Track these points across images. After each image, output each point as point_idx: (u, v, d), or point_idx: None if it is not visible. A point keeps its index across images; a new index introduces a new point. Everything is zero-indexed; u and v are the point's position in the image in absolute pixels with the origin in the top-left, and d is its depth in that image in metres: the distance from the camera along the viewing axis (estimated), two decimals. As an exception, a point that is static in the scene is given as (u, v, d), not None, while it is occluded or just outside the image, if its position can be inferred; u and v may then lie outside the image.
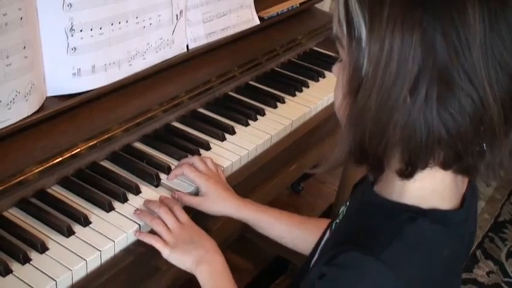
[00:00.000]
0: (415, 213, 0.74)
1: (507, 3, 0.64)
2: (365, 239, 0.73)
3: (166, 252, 1.00)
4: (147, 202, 1.07)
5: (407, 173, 0.72)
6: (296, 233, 1.13)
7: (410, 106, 0.66)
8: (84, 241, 0.98)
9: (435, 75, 0.65)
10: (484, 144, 0.70)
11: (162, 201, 1.08)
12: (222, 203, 1.11)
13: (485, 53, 0.65)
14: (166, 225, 1.02)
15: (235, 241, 1.81)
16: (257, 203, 1.15)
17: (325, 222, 1.13)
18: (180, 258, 0.99)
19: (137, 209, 1.05)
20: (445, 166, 0.72)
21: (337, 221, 0.91)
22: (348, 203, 0.92)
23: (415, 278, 0.72)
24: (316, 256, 0.93)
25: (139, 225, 1.03)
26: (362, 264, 0.71)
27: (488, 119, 0.66)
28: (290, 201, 2.36)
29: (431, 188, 0.76)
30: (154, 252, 1.01)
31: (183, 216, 1.05)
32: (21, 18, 0.97)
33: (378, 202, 0.79)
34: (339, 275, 0.73)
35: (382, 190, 0.80)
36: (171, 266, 1.02)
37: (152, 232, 1.03)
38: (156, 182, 1.13)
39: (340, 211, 0.92)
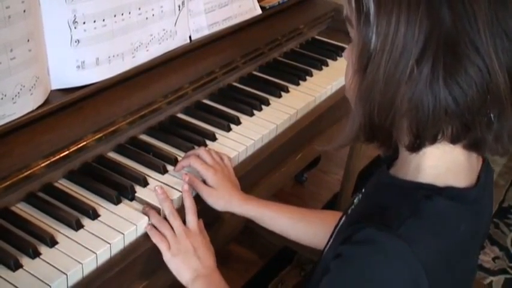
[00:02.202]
0: (430, 191, 0.74)
1: None
2: (381, 217, 0.73)
3: (167, 256, 1.00)
4: (163, 199, 1.04)
5: (416, 145, 0.72)
6: (299, 226, 1.14)
7: (417, 77, 0.67)
8: (94, 234, 0.98)
9: (441, 45, 0.66)
10: (492, 115, 0.70)
11: (184, 192, 1.07)
12: (227, 199, 1.10)
13: (491, 22, 0.65)
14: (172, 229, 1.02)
15: (241, 233, 1.81)
16: (259, 199, 1.15)
17: (327, 214, 1.13)
18: (178, 267, 1.00)
19: (146, 206, 1.04)
20: (453, 140, 0.72)
21: (353, 207, 0.91)
22: (363, 190, 0.91)
23: (431, 252, 0.72)
24: (330, 241, 0.93)
25: (148, 217, 1.03)
26: (378, 240, 0.71)
27: (495, 87, 0.67)
28: (294, 191, 2.36)
29: (445, 166, 0.76)
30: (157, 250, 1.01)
31: (193, 223, 1.04)
32: (24, 11, 0.96)
33: (393, 183, 0.80)
34: (355, 252, 0.73)
35: (397, 172, 0.80)
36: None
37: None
38: (163, 174, 1.13)
39: (354, 199, 0.92)
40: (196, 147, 1.20)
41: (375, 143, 0.78)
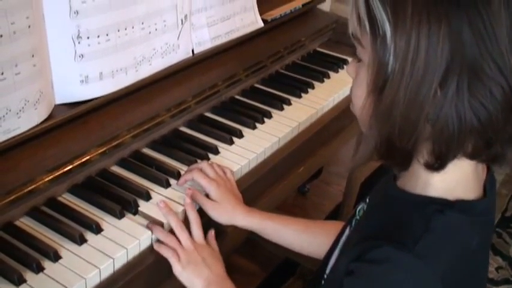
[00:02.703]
0: (442, 205, 0.74)
1: None
2: (394, 233, 0.73)
3: (178, 269, 1.00)
4: (167, 212, 1.05)
5: (437, 165, 0.72)
6: (303, 237, 1.14)
7: (441, 99, 0.67)
8: (97, 249, 0.98)
9: (465, 66, 0.66)
10: None
11: (186, 206, 1.07)
12: (231, 212, 1.11)
13: None
14: (179, 242, 1.02)
15: (243, 244, 1.81)
16: (262, 211, 1.15)
17: (331, 225, 1.14)
18: (190, 278, 1.00)
19: (149, 222, 1.05)
20: (474, 156, 0.73)
21: (357, 218, 0.91)
22: (367, 200, 0.91)
23: (447, 267, 0.72)
24: (335, 255, 0.93)
25: (152, 231, 1.03)
26: (396, 259, 0.71)
27: None
28: (296, 202, 2.36)
29: (455, 180, 0.76)
30: (166, 263, 1.01)
31: (198, 235, 1.05)
32: (29, 27, 0.97)
33: (402, 196, 0.79)
34: (373, 271, 0.73)
35: (405, 184, 0.80)
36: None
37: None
38: (166, 188, 1.13)
39: (358, 209, 0.92)
40: (199, 160, 1.21)
41: (389, 162, 0.77)
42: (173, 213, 1.05)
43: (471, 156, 0.73)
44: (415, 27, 0.66)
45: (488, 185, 0.81)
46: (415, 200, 0.77)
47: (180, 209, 1.09)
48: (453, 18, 0.65)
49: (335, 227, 1.06)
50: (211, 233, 1.08)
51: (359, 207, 0.93)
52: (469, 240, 0.76)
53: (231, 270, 1.05)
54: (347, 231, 0.94)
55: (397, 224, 0.75)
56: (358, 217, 0.91)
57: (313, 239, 1.13)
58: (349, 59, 1.72)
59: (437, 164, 0.72)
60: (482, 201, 0.78)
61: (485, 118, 0.67)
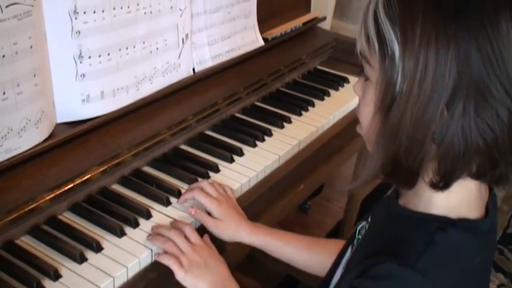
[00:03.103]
0: (444, 223, 0.75)
1: None
2: (397, 250, 0.74)
3: (181, 275, 0.99)
4: (157, 227, 1.07)
5: (442, 185, 0.73)
6: (305, 255, 1.15)
7: (448, 120, 0.67)
8: (97, 267, 0.98)
9: (472, 88, 0.66)
10: None
11: (172, 224, 1.08)
12: (235, 229, 1.11)
13: None
14: (178, 247, 1.02)
15: (244, 261, 1.81)
16: (267, 227, 1.16)
17: (333, 243, 1.14)
18: (193, 282, 0.99)
19: (150, 234, 1.05)
20: (478, 176, 0.73)
21: (359, 237, 0.91)
22: (369, 219, 0.92)
23: (449, 284, 0.73)
24: (339, 273, 0.93)
25: (151, 250, 1.03)
26: (398, 275, 0.71)
27: None
28: (297, 220, 2.36)
29: (459, 198, 0.76)
30: (167, 277, 1.01)
31: (194, 237, 1.05)
32: (31, 47, 0.98)
33: (405, 214, 0.79)
34: (376, 286, 0.73)
35: (408, 202, 0.80)
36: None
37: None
38: (166, 206, 1.14)
39: (358, 227, 0.92)
40: (200, 179, 1.21)
41: (395, 181, 0.78)
42: (163, 225, 1.07)
43: (476, 177, 0.73)
44: (423, 48, 0.66)
45: (491, 205, 0.81)
46: (418, 218, 0.77)
47: (180, 227, 1.09)
48: (462, 41, 0.65)
49: (336, 246, 1.06)
50: (206, 237, 1.08)
51: (360, 226, 0.94)
52: (471, 259, 0.77)
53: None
54: (349, 251, 0.94)
55: (399, 241, 0.75)
56: (359, 236, 0.91)
57: (315, 257, 1.14)
58: (349, 77, 1.73)
59: (443, 183, 0.72)
60: (485, 221, 0.79)
61: (491, 139, 0.68)
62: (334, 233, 2.26)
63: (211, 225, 1.11)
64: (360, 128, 0.80)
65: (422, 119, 0.68)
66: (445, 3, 0.66)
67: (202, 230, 1.11)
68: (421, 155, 0.70)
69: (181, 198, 1.15)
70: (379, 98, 0.72)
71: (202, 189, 1.14)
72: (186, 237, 1.05)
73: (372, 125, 0.74)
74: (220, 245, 1.13)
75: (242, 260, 1.64)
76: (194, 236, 1.05)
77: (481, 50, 0.65)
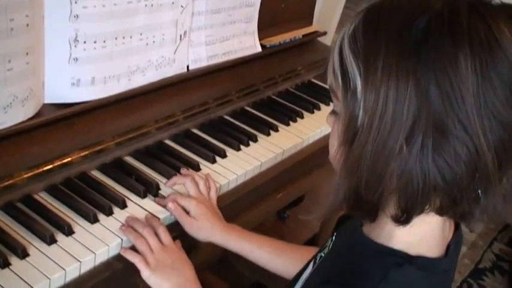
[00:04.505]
0: (402, 259, 0.74)
1: (497, 54, 0.65)
2: (351, 280, 0.74)
3: (146, 274, 1.00)
4: (132, 220, 1.07)
5: (403, 219, 0.72)
6: (278, 261, 1.16)
7: (406, 155, 0.67)
8: (66, 250, 0.99)
9: (430, 124, 0.66)
10: (479, 191, 0.70)
11: (147, 220, 1.09)
12: (209, 229, 1.12)
13: (478, 102, 0.65)
14: (149, 245, 1.03)
15: (216, 263, 1.81)
16: (242, 230, 1.17)
17: (308, 251, 1.14)
18: (159, 282, 1.00)
19: (123, 225, 1.06)
20: (441, 212, 0.73)
21: (322, 254, 0.92)
22: (333, 238, 0.92)
23: None
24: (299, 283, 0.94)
25: (122, 240, 1.04)
26: None
27: (483, 166, 0.67)
28: (274, 227, 2.36)
29: (420, 235, 0.76)
30: (134, 270, 1.01)
31: (167, 238, 1.06)
32: (27, 25, 0.99)
33: (365, 243, 0.79)
34: None
35: (371, 232, 0.80)
36: (148, 285, 1.02)
37: (134, 250, 1.04)
38: (143, 198, 1.14)
39: (327, 244, 0.93)
40: (178, 174, 1.22)
41: (357, 214, 0.77)
42: (139, 220, 1.07)
43: (439, 212, 0.73)
44: (384, 82, 0.66)
45: (453, 245, 0.81)
46: (377, 250, 0.77)
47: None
48: (421, 76, 0.65)
49: (309, 253, 1.06)
50: (178, 243, 1.09)
51: (328, 243, 0.94)
52: None
53: (202, 286, 1.05)
54: (310, 268, 0.95)
55: (355, 271, 0.76)
56: (322, 254, 0.92)
57: (287, 263, 1.14)
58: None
59: (403, 217, 0.72)
60: (443, 261, 0.78)
61: (449, 176, 0.67)
62: (309, 244, 2.26)
63: (186, 223, 1.12)
64: (329, 155, 0.80)
65: (382, 153, 0.67)
66: (407, 38, 0.66)
67: (176, 228, 1.11)
68: (380, 189, 0.70)
69: (171, 181, 1.18)
70: (342, 131, 0.72)
71: (194, 180, 1.17)
72: (158, 236, 1.06)
73: (337, 156, 0.74)
74: (191, 243, 1.14)
75: (215, 262, 1.65)
76: (166, 237, 1.06)
77: (440, 86, 0.65)
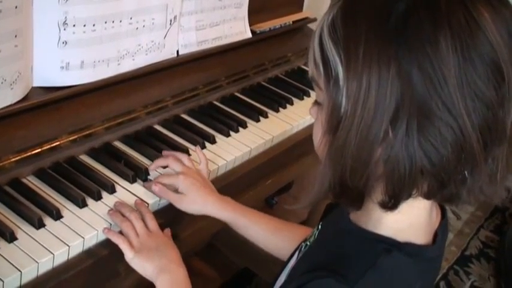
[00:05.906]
0: (390, 245, 0.75)
1: (476, 35, 0.65)
2: (339, 267, 0.74)
3: (130, 255, 0.99)
4: (120, 205, 1.07)
5: (390, 205, 0.72)
6: (270, 239, 1.15)
7: (392, 140, 0.67)
8: (54, 235, 0.98)
9: (414, 107, 0.66)
10: (466, 172, 0.71)
11: (136, 205, 1.09)
12: (201, 203, 1.12)
13: (461, 83, 0.65)
14: (135, 229, 1.03)
15: (204, 248, 1.82)
16: (237, 203, 1.16)
17: (301, 229, 1.14)
18: (142, 264, 0.99)
19: (111, 209, 1.06)
20: (429, 196, 0.73)
21: (308, 243, 0.92)
22: (319, 226, 0.93)
23: None
24: (283, 278, 0.94)
25: (111, 225, 1.04)
26: None
27: (469, 146, 0.67)
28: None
29: (408, 222, 0.77)
30: (119, 255, 1.01)
31: (152, 224, 1.06)
32: (16, 7, 0.98)
33: (353, 231, 0.79)
34: None
35: (358, 219, 0.80)
36: (130, 271, 1.02)
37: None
38: (132, 183, 1.14)
39: (313, 232, 0.93)
40: (167, 160, 1.22)
41: (343, 202, 0.77)
42: (127, 205, 1.07)
43: (426, 196, 0.73)
44: (366, 69, 0.66)
45: (440, 232, 0.81)
46: (365, 237, 0.77)
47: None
48: (403, 60, 0.65)
49: (303, 232, 1.07)
50: (168, 231, 1.09)
51: (314, 231, 0.94)
52: (412, 283, 0.77)
53: (188, 271, 1.05)
54: (295, 256, 0.95)
55: (343, 258, 0.76)
56: (308, 242, 0.92)
57: (280, 242, 1.13)
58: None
59: (391, 203, 0.72)
60: (431, 248, 0.79)
61: (436, 159, 0.67)
62: (296, 232, 2.27)
63: (175, 200, 1.11)
64: (316, 149, 0.80)
65: (367, 139, 0.68)
66: (386, 23, 0.66)
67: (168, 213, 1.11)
68: (366, 176, 0.70)
69: (154, 164, 1.17)
70: (326, 120, 0.72)
71: (176, 158, 1.16)
72: (144, 223, 1.05)
73: (321, 145, 0.74)
74: (175, 232, 1.13)
75: (202, 247, 1.65)
76: (152, 224, 1.06)
77: (422, 70, 0.65)
